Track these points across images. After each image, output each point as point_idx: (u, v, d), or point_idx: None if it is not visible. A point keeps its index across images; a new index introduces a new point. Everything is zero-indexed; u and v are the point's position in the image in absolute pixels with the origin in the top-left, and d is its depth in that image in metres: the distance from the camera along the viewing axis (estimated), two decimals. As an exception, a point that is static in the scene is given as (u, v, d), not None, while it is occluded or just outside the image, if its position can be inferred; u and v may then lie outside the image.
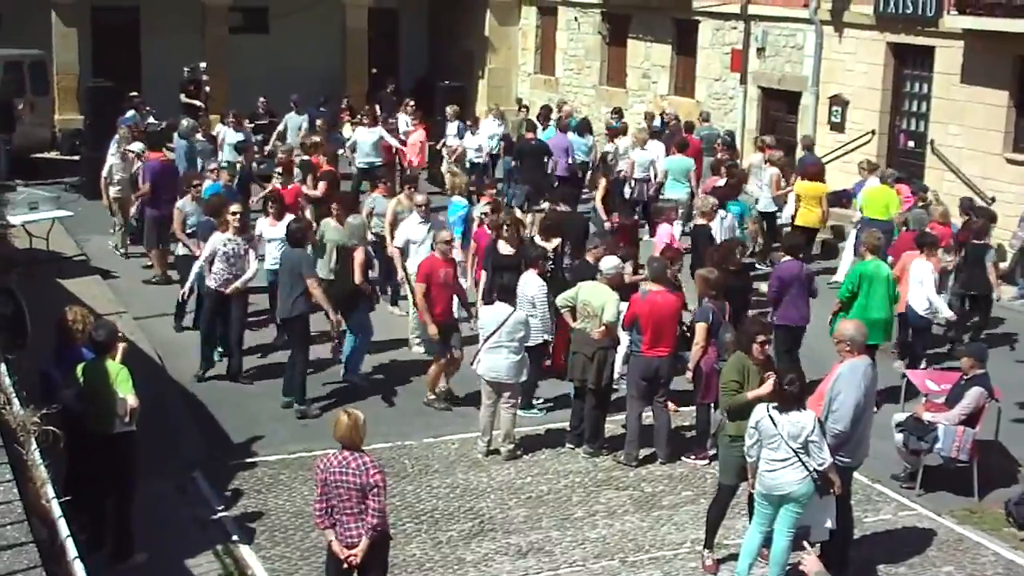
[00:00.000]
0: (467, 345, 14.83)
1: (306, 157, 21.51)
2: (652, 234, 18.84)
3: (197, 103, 29.33)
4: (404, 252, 16.54)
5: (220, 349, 15.81)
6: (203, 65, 30.32)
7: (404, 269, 16.55)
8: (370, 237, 17.21)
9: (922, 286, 15.93)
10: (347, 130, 27.04)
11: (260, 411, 14.61)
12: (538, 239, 16.58)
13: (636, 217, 21.44)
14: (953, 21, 21.64)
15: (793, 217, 20.70)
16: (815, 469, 10.22)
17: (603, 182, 20.86)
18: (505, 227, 15.91)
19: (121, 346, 11.02)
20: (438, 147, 26.46)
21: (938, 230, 17.40)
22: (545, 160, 23.42)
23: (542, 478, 13.09)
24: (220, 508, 12.16)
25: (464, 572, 11.08)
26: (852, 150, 23.72)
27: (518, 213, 20.28)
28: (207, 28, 31.73)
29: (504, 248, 15.72)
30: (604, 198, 20.58)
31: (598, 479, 13.13)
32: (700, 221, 17.58)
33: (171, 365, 15.86)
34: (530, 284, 14.36)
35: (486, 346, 13.39)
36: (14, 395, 8.08)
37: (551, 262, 16.14)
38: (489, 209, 17.04)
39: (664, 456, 13.55)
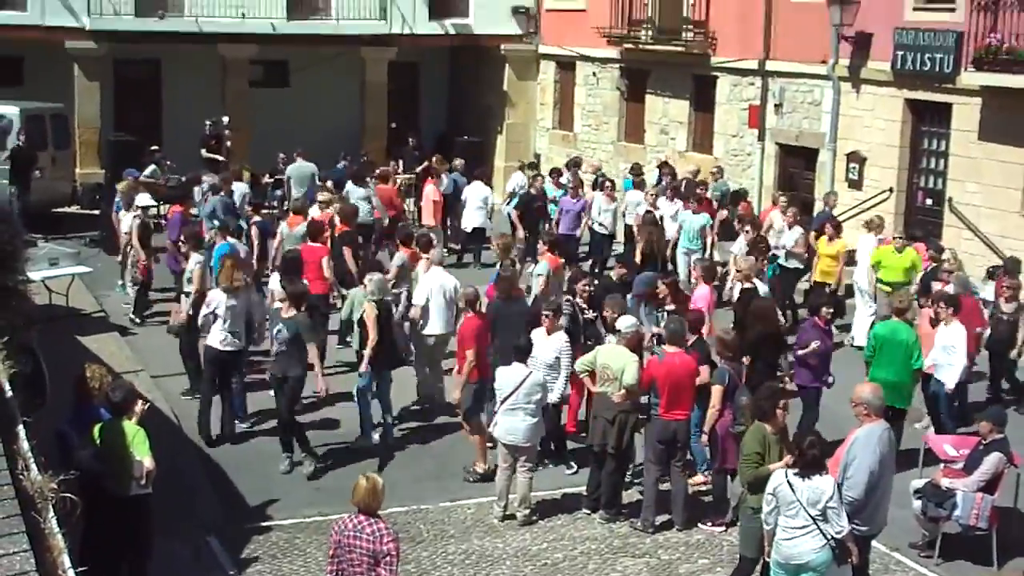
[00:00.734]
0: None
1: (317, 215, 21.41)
2: None
3: (218, 157, 29.47)
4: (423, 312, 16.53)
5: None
6: (225, 119, 30.52)
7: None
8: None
9: (951, 351, 15.70)
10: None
11: (276, 473, 14.59)
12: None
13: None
14: (970, 78, 21.61)
15: (812, 276, 20.71)
16: (833, 537, 10.14)
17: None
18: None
19: (139, 408, 11.03)
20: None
21: (966, 303, 16.78)
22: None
23: (558, 544, 13.02)
24: (233, 573, 12.14)
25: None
26: (870, 207, 23.67)
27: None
28: (227, 82, 31.99)
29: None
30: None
31: (614, 546, 13.04)
32: (747, 285, 17.26)
33: (188, 425, 15.84)
34: (551, 342, 14.27)
35: (503, 408, 13.35)
36: (32, 460, 8.08)
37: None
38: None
39: (681, 522, 13.45)
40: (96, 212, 26.85)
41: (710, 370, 13.77)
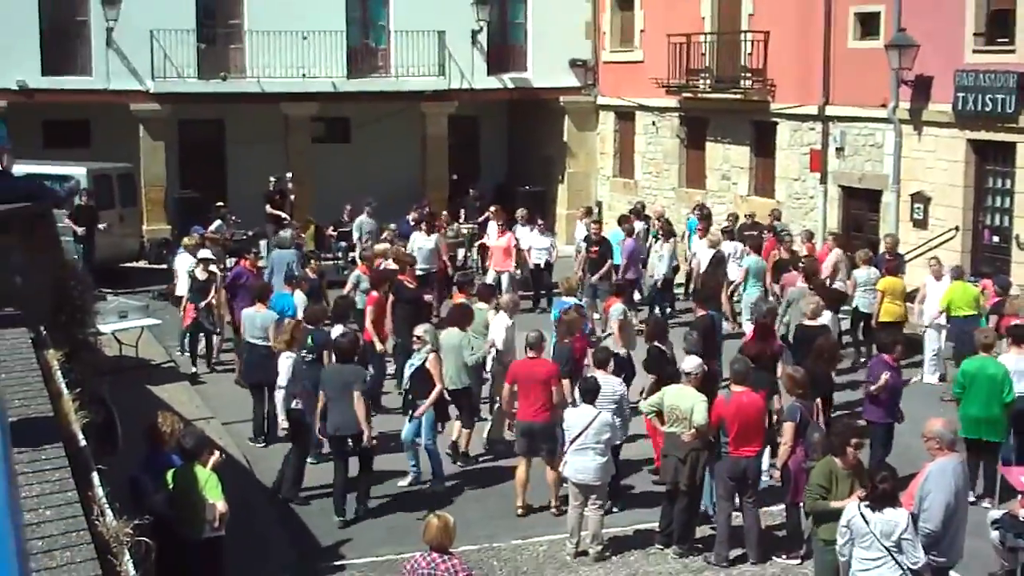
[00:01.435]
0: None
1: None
2: None
3: (282, 213, 29.78)
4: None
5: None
6: (288, 175, 30.89)
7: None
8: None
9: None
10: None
11: (348, 514, 14.57)
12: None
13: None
14: (1033, 117, 21.57)
15: (877, 314, 20.61)
16: (910, 568, 10.05)
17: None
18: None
19: (214, 458, 11.09)
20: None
21: None
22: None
23: (632, 580, 12.97)
24: (308, 612, 12.19)
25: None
26: (936, 246, 23.53)
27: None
28: (290, 139, 32.41)
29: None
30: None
31: (689, 581, 13.00)
32: (808, 322, 17.30)
33: (259, 469, 15.95)
34: (610, 385, 14.26)
35: (572, 448, 13.36)
36: (107, 506, 8.17)
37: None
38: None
39: (755, 557, 13.39)
40: (163, 266, 27.26)
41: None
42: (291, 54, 31.08)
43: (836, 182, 26.85)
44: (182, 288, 21.63)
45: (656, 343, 15.90)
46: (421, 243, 24.31)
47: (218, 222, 27.07)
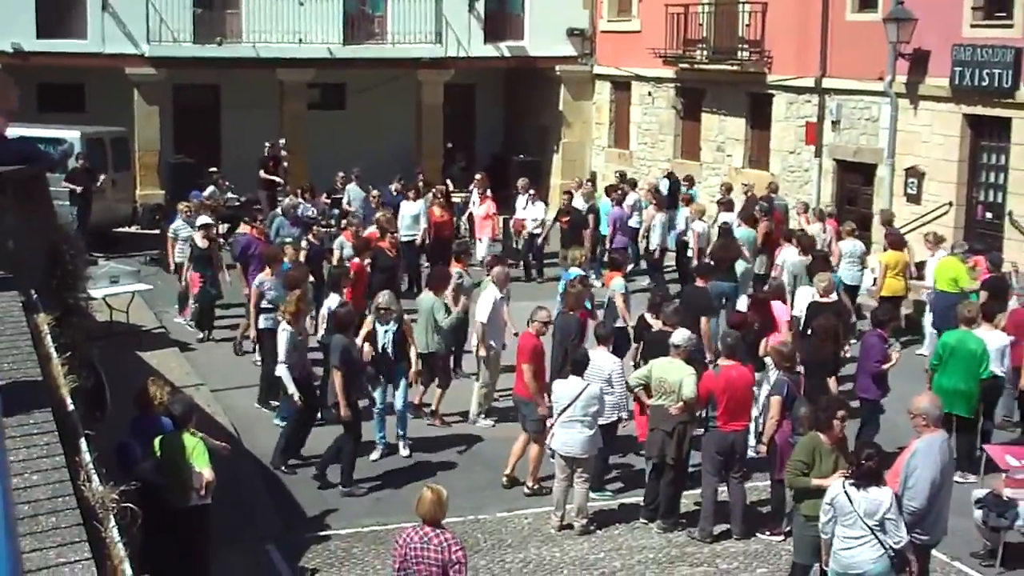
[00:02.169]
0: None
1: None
2: None
3: (276, 179, 29.72)
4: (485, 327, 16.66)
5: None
6: (283, 141, 30.81)
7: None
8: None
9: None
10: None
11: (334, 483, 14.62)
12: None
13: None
14: (1030, 92, 21.53)
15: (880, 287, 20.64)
16: (892, 547, 10.07)
17: None
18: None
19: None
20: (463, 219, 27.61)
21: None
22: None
23: (616, 553, 12.99)
24: (293, 582, 12.22)
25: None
26: (929, 222, 23.52)
27: None
28: (285, 105, 32.32)
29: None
30: None
31: (672, 555, 13.01)
32: (820, 299, 17.20)
33: (247, 438, 15.96)
34: (604, 361, 14.27)
35: (560, 420, 13.37)
36: (93, 472, 8.17)
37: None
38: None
39: (739, 532, 13.41)
40: (155, 232, 27.25)
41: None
42: (287, 20, 30.91)
43: (831, 155, 26.82)
44: (181, 255, 21.56)
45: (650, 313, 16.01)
46: (406, 210, 24.59)
47: (211, 188, 27.01)
